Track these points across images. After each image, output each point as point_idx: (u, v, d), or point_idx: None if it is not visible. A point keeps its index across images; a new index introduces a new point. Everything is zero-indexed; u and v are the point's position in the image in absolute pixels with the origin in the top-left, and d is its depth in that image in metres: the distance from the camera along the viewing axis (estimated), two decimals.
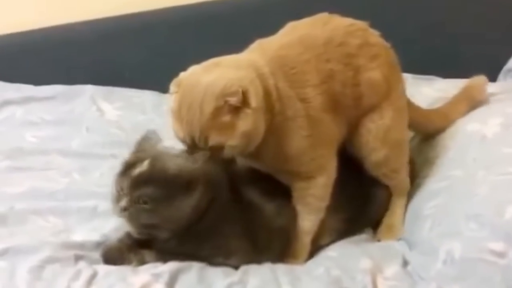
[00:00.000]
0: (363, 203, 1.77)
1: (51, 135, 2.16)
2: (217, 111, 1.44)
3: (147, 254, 1.57)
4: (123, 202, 1.45)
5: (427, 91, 2.17)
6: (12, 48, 2.47)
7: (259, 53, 1.61)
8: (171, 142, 1.57)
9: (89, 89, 2.37)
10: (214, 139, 1.45)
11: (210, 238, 1.52)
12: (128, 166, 1.49)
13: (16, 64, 2.47)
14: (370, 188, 1.78)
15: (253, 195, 1.62)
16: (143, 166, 1.48)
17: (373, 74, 1.67)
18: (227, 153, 1.48)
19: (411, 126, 1.85)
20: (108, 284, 1.49)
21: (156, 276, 1.49)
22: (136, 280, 1.48)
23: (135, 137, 1.98)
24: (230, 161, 1.57)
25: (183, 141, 1.49)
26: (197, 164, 1.47)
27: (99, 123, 2.23)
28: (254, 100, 1.45)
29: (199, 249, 1.53)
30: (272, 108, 1.50)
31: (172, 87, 1.54)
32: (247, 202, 1.60)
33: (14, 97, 2.33)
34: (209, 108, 1.43)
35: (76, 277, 1.48)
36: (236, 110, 1.44)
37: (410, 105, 1.84)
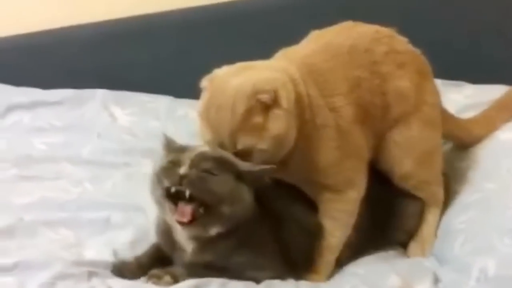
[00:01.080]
0: (388, 216, 1.75)
1: (60, 142, 2.15)
2: (248, 112, 1.44)
3: (177, 270, 1.55)
4: (183, 170, 1.43)
5: (456, 98, 2.16)
6: (18, 50, 2.46)
7: (286, 61, 1.61)
8: None
9: (100, 94, 2.36)
10: (243, 142, 1.45)
11: (244, 250, 1.52)
12: (178, 150, 1.50)
13: (23, 67, 2.46)
14: (397, 200, 1.76)
15: (282, 209, 1.61)
16: (203, 147, 1.48)
17: (401, 82, 1.66)
18: (256, 158, 1.47)
19: (447, 137, 1.83)
20: None
21: None
22: None
23: (149, 144, 2.05)
24: None
25: (210, 144, 1.49)
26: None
27: (111, 129, 2.22)
28: (286, 101, 1.46)
29: (230, 262, 1.52)
30: (302, 114, 1.50)
31: (204, 82, 1.53)
32: (277, 216, 1.60)
33: (21, 102, 2.32)
34: (240, 108, 1.44)
35: None
36: (267, 110, 1.45)
37: (446, 116, 1.81)
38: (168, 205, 1.47)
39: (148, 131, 2.18)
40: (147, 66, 2.44)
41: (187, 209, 1.44)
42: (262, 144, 1.45)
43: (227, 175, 1.46)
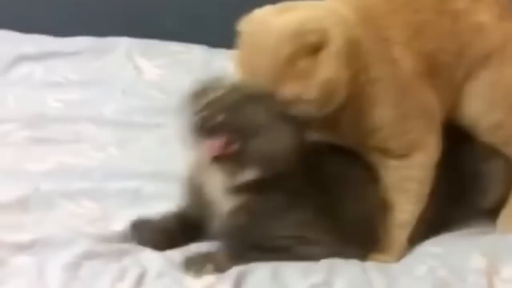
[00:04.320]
0: (469, 184, 1.71)
1: (78, 99, 2.15)
2: (293, 55, 1.41)
3: (218, 255, 1.52)
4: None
5: None
6: None
7: (338, 2, 1.56)
8: None
9: (123, 43, 2.35)
10: (287, 90, 1.42)
11: (286, 215, 1.50)
12: (205, 91, 1.46)
13: (33, 11, 2.45)
14: (479, 163, 1.72)
15: (335, 175, 1.58)
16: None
17: (479, 17, 1.61)
18: (301, 110, 1.44)
19: None
20: (162, 287, 1.44)
21: (220, 278, 1.44)
22: (196, 283, 1.44)
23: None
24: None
25: None
26: None
27: (137, 85, 2.21)
28: (338, 43, 1.42)
29: (274, 237, 1.50)
30: (355, 62, 1.47)
31: (243, 24, 1.50)
32: (328, 183, 1.56)
33: (32, 52, 2.32)
34: (284, 50, 1.41)
35: (121, 277, 1.44)
36: (315, 52, 1.42)
37: None
38: (198, 140, 1.44)
39: (180, 87, 2.06)
40: (178, 10, 2.42)
41: (219, 141, 1.42)
42: (309, 93, 1.42)
43: (267, 108, 1.43)
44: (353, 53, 1.46)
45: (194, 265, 1.48)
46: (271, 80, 1.43)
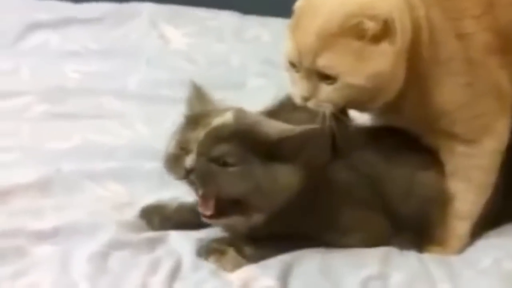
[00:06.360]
0: None
1: (99, 70, 2.14)
2: (347, 29, 1.39)
3: (241, 240, 1.47)
4: (189, 161, 1.36)
5: None
6: None
7: None
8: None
9: (147, 9, 2.35)
10: (326, 61, 1.40)
11: (319, 210, 1.47)
12: (198, 119, 1.42)
13: None
14: None
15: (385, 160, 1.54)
16: (226, 117, 1.40)
17: None
18: (341, 94, 1.42)
19: None
20: (198, 280, 1.39)
21: (263, 269, 1.41)
22: (236, 275, 1.40)
23: (212, 73, 1.99)
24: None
25: (289, 59, 1.45)
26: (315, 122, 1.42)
27: (163, 55, 2.21)
28: (400, 38, 1.40)
29: (304, 226, 1.47)
30: (419, 47, 1.45)
31: (299, 2, 1.46)
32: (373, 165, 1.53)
33: (48, 19, 2.32)
34: (338, 20, 1.39)
35: (153, 270, 1.40)
36: (372, 41, 1.40)
37: None
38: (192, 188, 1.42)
39: (210, 57, 2.16)
40: None
41: (210, 201, 1.39)
42: (352, 77, 1.40)
43: (249, 159, 1.38)
44: (417, 40, 1.45)
45: (217, 251, 1.45)
46: (314, 40, 1.40)
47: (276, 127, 1.41)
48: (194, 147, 1.38)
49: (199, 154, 1.37)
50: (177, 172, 1.39)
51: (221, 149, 1.37)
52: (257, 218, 1.42)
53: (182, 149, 1.40)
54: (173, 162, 1.40)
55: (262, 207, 1.41)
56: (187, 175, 1.37)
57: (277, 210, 1.41)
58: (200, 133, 1.39)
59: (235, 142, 1.38)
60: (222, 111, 1.43)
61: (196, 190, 1.41)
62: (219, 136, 1.38)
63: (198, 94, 1.49)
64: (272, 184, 1.40)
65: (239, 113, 1.42)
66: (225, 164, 1.37)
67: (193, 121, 1.43)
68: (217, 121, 1.40)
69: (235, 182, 1.38)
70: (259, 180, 1.38)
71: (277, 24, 2.26)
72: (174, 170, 1.40)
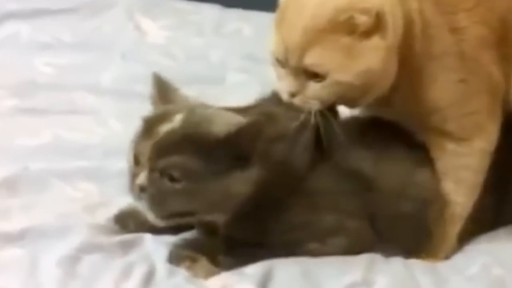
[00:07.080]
0: None
1: (72, 64, 2.13)
2: (337, 24, 1.38)
3: (214, 248, 1.46)
4: (141, 178, 1.35)
5: None
6: None
7: None
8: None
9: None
10: (313, 58, 1.39)
11: (292, 216, 1.45)
12: (152, 123, 1.39)
13: None
14: None
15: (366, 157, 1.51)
16: (174, 122, 1.37)
17: None
18: (329, 91, 1.42)
19: None
20: (173, 286, 1.38)
21: (242, 275, 1.40)
22: (214, 282, 1.39)
23: (191, 69, 1.99)
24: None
25: (275, 56, 1.44)
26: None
27: (139, 49, 2.20)
28: (392, 32, 1.40)
29: (277, 232, 1.45)
30: (411, 43, 1.46)
31: None
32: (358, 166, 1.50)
33: (18, 9, 2.31)
34: (327, 14, 1.38)
35: (126, 275, 1.38)
36: (363, 36, 1.39)
37: None
38: None
39: (189, 51, 2.16)
40: None
41: None
42: (342, 75, 1.39)
43: (197, 169, 1.35)
44: (409, 35, 1.45)
45: (188, 259, 1.43)
46: (301, 37, 1.39)
47: (224, 123, 1.38)
48: (144, 160, 1.36)
49: (151, 169, 1.35)
50: (133, 191, 1.37)
51: (165, 162, 1.35)
52: (216, 217, 1.41)
53: (136, 163, 1.38)
54: (130, 179, 1.38)
55: (214, 217, 1.40)
56: (140, 194, 1.36)
57: (239, 213, 1.40)
58: (150, 143, 1.36)
59: (184, 150, 1.36)
60: (175, 112, 1.40)
61: None
62: (166, 146, 1.36)
63: (161, 90, 1.47)
64: (223, 195, 1.38)
65: (189, 114, 1.39)
66: (172, 179, 1.35)
67: (148, 126, 1.40)
68: (164, 128, 1.37)
69: (181, 201, 1.36)
70: (208, 194, 1.37)
71: (258, 18, 2.29)
72: (131, 189, 1.38)
